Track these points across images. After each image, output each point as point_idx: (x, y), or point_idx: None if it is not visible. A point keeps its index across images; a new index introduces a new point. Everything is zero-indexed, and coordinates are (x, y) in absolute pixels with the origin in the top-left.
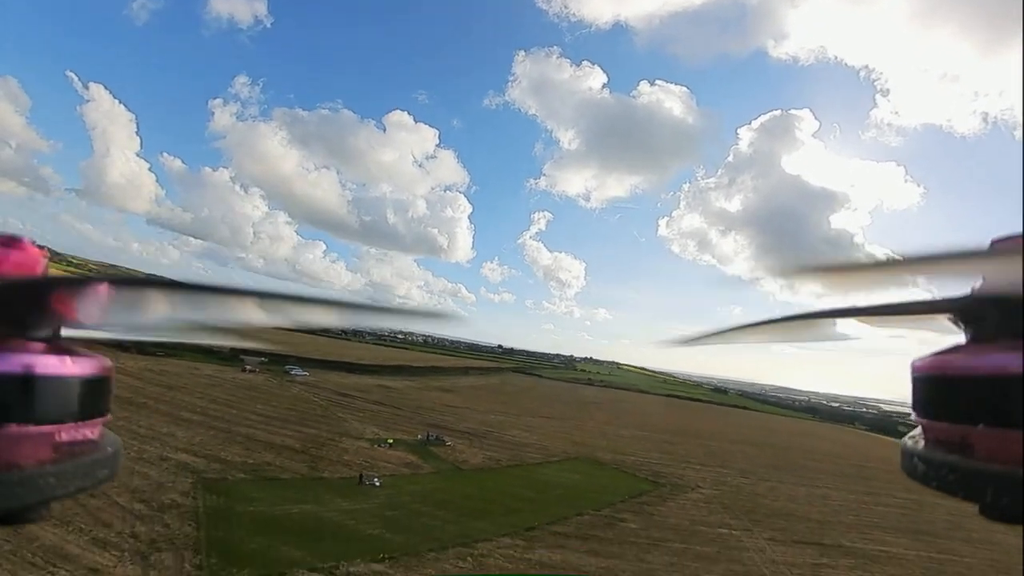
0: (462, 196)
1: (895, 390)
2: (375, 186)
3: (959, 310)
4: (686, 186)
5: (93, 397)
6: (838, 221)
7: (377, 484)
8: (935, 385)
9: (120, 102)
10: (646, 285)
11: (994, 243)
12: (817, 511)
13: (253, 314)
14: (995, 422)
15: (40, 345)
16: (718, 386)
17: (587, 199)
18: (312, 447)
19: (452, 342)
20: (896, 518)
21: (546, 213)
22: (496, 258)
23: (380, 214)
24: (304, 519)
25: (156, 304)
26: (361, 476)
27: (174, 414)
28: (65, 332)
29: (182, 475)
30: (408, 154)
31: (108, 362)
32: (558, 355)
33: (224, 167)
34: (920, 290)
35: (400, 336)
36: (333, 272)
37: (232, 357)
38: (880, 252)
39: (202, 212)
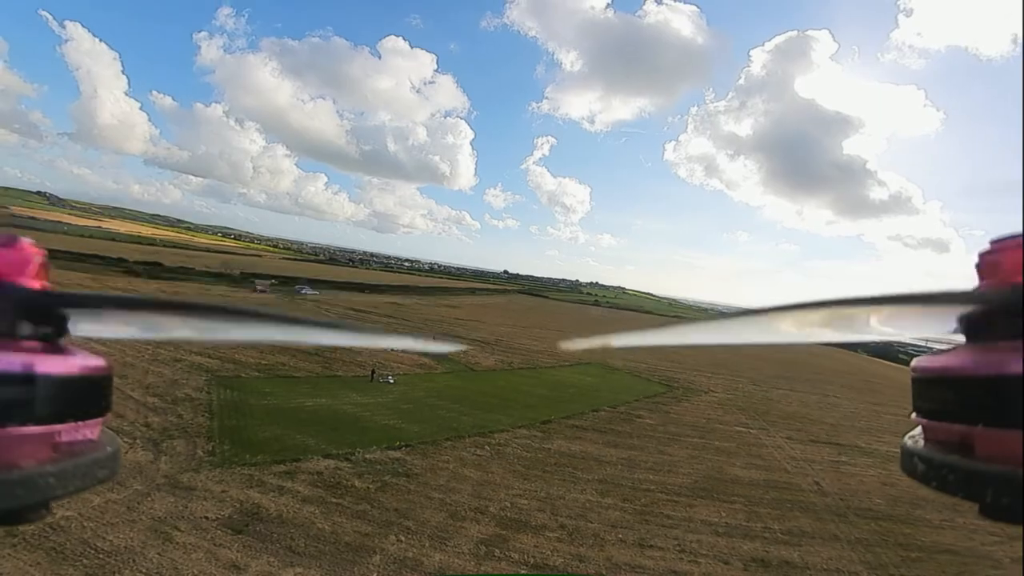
0: (463, 122)
1: None
2: (373, 115)
3: (959, 310)
4: (694, 109)
5: (93, 397)
6: (851, 147)
7: (391, 381)
8: (935, 385)
9: (100, 40)
10: (652, 210)
11: (993, 243)
12: (830, 416)
13: (255, 334)
14: (995, 422)
15: (40, 345)
16: (723, 311)
17: (591, 122)
18: (325, 350)
19: (457, 268)
20: (908, 425)
21: (549, 138)
22: (499, 184)
23: (380, 143)
24: (318, 410)
25: (158, 323)
26: (373, 372)
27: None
28: (65, 332)
29: (196, 373)
30: (405, 80)
31: (108, 362)
32: (563, 279)
33: (217, 102)
34: (920, 290)
35: (407, 263)
36: (336, 204)
37: (243, 279)
38: (892, 179)
39: (199, 149)
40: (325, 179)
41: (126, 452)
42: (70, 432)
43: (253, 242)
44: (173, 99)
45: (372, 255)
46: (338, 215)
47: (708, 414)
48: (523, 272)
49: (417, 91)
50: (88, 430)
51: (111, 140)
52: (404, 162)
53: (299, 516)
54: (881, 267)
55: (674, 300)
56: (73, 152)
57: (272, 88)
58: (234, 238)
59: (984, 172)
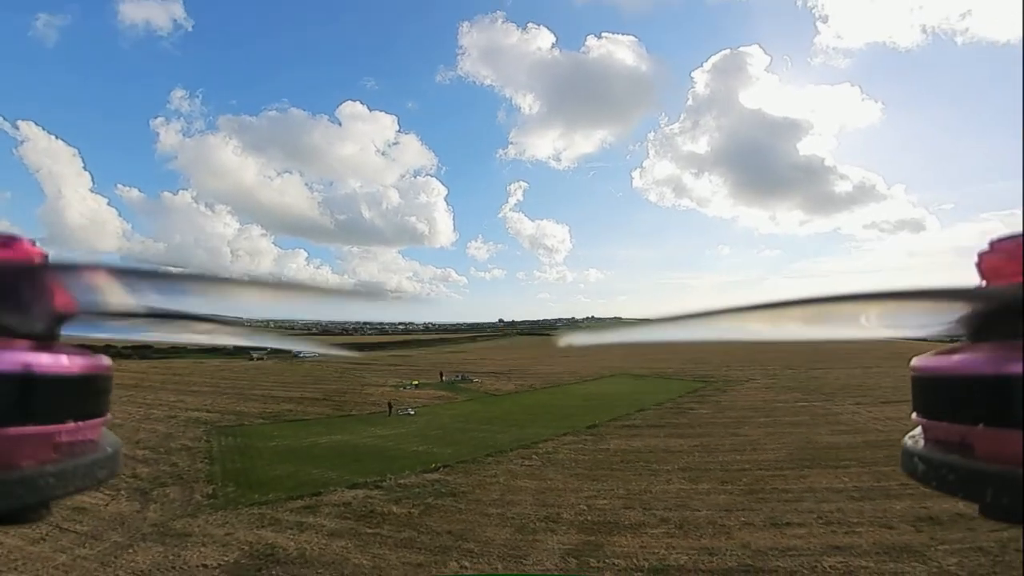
0: (433, 179)
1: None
2: (342, 183)
3: (959, 310)
4: (651, 135)
5: (92, 397)
6: (806, 147)
7: (411, 413)
8: (935, 385)
9: (56, 137)
10: (631, 238)
11: (993, 243)
12: (885, 382)
13: (252, 302)
14: (995, 422)
15: (39, 344)
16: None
17: (558, 160)
18: (334, 396)
19: (452, 324)
20: None
21: (521, 183)
22: (479, 236)
23: (354, 211)
24: (335, 446)
25: (152, 294)
26: (390, 406)
27: (182, 389)
28: (64, 332)
29: (193, 426)
30: (369, 144)
31: (107, 362)
32: (559, 319)
33: (184, 189)
34: (920, 290)
35: (401, 326)
36: (319, 278)
37: (237, 352)
38: (852, 171)
39: (174, 239)
40: (305, 254)
41: (105, 505)
42: (70, 432)
43: (243, 324)
44: (139, 191)
45: (365, 323)
46: (323, 288)
47: (762, 397)
48: (518, 319)
49: (383, 154)
50: (88, 430)
51: (84, 240)
52: (381, 227)
53: (328, 553)
54: (864, 256)
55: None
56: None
57: (236, 167)
58: (224, 323)
59: (933, 150)
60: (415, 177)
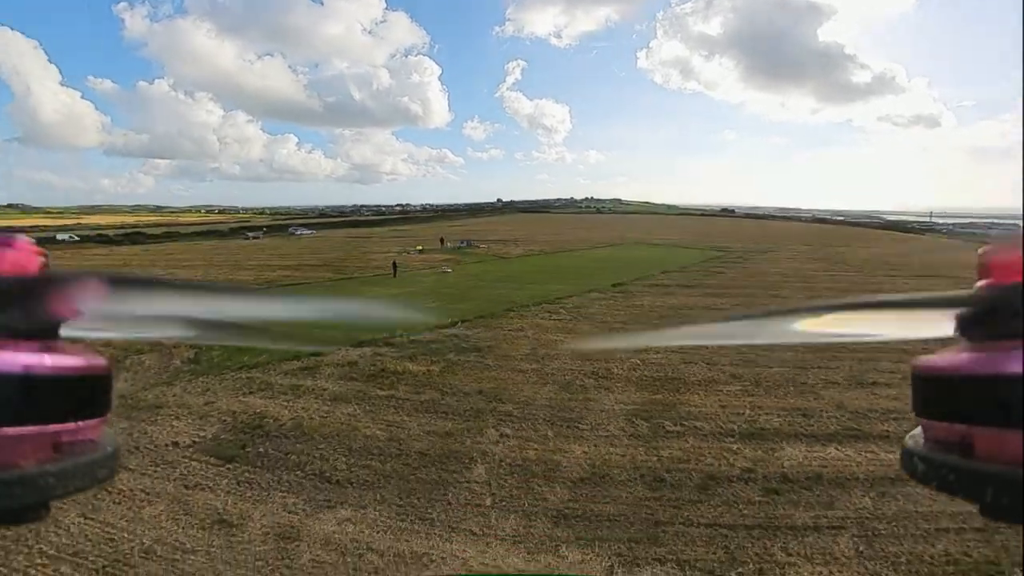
0: (426, 58)
1: (892, 200)
2: (329, 65)
3: (959, 310)
4: (660, 14)
5: (92, 396)
6: (825, 34)
7: (448, 271)
8: (935, 385)
9: (14, 29)
10: (634, 121)
11: (993, 243)
12: (913, 262)
13: (251, 310)
14: (995, 422)
15: (39, 344)
16: (725, 208)
17: (559, 37)
18: (334, 262)
19: (450, 205)
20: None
21: (520, 61)
22: (476, 116)
23: (343, 93)
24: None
25: (152, 301)
26: (395, 266)
27: (174, 264)
28: (64, 331)
29: None
30: (355, 23)
31: (107, 361)
32: (558, 199)
33: (159, 77)
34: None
35: (398, 207)
36: (312, 163)
37: (232, 232)
38: (874, 61)
39: (157, 130)
40: (295, 139)
41: None
42: (70, 432)
43: (240, 213)
44: (113, 82)
45: (362, 206)
46: (317, 174)
47: (789, 266)
48: (517, 199)
49: (370, 33)
50: (88, 430)
51: (63, 137)
52: (372, 109)
53: (331, 422)
54: (872, 149)
55: (672, 205)
56: (30, 158)
57: (213, 52)
58: (219, 212)
59: (965, 43)
60: (406, 57)
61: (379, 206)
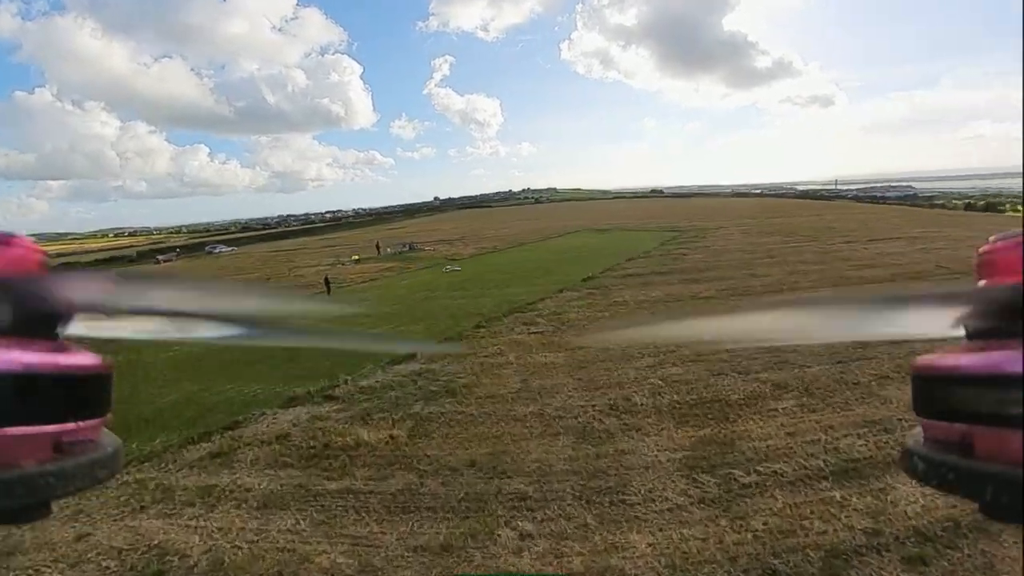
0: (345, 57)
1: (799, 173)
2: (236, 66)
3: (958, 310)
4: (579, 6)
5: (93, 396)
6: (730, 23)
7: (457, 269)
8: (935, 385)
9: None
10: (561, 111)
11: (993, 242)
12: (854, 225)
13: (253, 337)
14: (995, 422)
15: (40, 344)
16: (653, 189)
17: (486, 30)
18: (258, 281)
19: (384, 208)
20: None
21: (447, 57)
22: (403, 115)
23: (255, 96)
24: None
25: (155, 298)
26: (327, 282)
27: None
28: (64, 332)
29: None
30: (262, 20)
31: (108, 361)
32: (496, 193)
33: (40, 86)
34: (920, 290)
35: (328, 215)
36: (228, 174)
37: (140, 256)
38: (773, 47)
39: (44, 147)
40: (206, 149)
41: None
42: (70, 432)
43: (153, 234)
44: None
45: (288, 216)
46: (235, 185)
47: (746, 241)
48: (455, 195)
49: (279, 31)
50: (88, 430)
51: None
52: (289, 112)
53: (264, 551)
54: (777, 128)
55: (604, 191)
56: None
57: (101, 54)
58: (129, 235)
59: (851, 30)
60: (322, 56)
61: (307, 215)
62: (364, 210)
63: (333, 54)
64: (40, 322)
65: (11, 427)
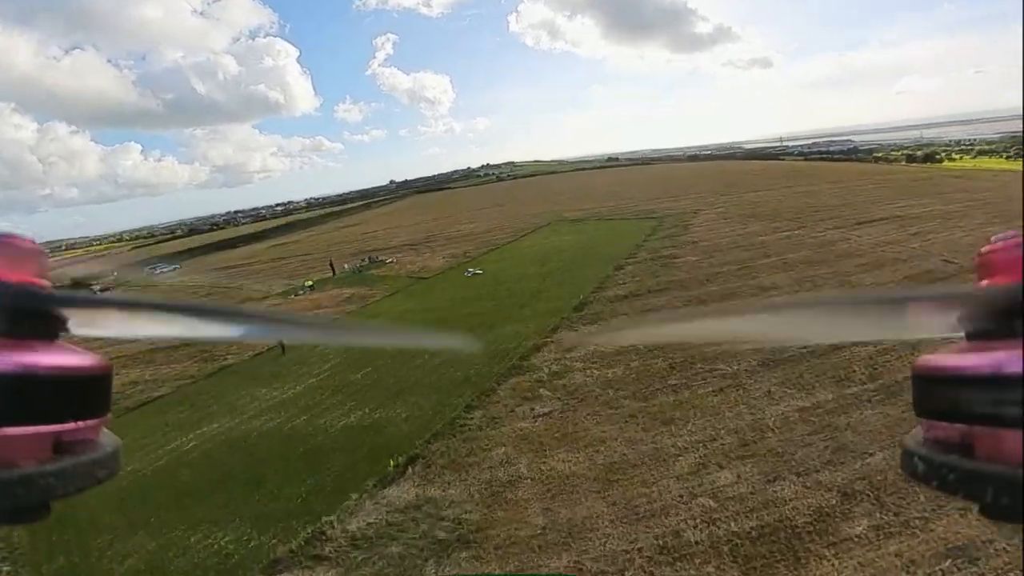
0: (278, 40)
1: (745, 132)
2: (158, 55)
3: (959, 310)
4: None
5: (93, 396)
6: None
7: (479, 272)
8: (935, 385)
9: None
10: (513, 84)
11: (993, 242)
12: (831, 203)
13: (252, 333)
14: (995, 422)
15: (40, 344)
16: (609, 156)
17: (428, 6)
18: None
19: (339, 195)
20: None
21: (390, 35)
22: (348, 97)
23: (183, 87)
24: (203, 451)
25: (157, 323)
26: (282, 345)
27: None
28: (64, 332)
29: None
30: (180, 4)
31: (107, 361)
32: (455, 171)
33: None
34: (920, 290)
35: (279, 207)
36: (166, 171)
37: (77, 285)
38: (712, 13)
39: None
40: (139, 147)
41: None
42: (70, 432)
43: (92, 245)
44: None
45: (237, 212)
46: (174, 183)
47: (732, 231)
48: (411, 177)
49: (201, 15)
50: (88, 430)
51: None
52: (223, 102)
53: None
54: (722, 90)
55: (562, 160)
56: None
57: (1, 48)
58: (65, 249)
59: None
60: (252, 39)
61: (257, 210)
62: (317, 199)
63: (265, 37)
64: (40, 322)
65: (11, 427)
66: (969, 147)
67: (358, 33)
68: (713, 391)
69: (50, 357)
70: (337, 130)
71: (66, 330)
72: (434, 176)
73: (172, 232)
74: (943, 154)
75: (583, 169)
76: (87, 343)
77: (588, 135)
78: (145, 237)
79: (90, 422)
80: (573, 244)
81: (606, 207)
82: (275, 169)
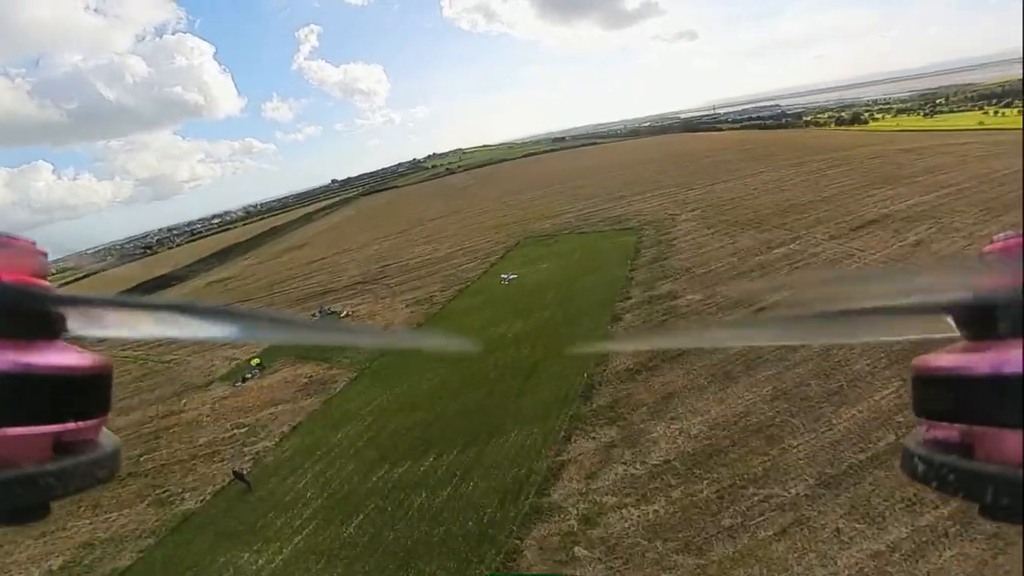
0: (189, 36)
1: (679, 103)
2: (53, 59)
3: (959, 310)
4: None
5: (92, 396)
6: None
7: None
8: (935, 385)
9: None
10: (451, 69)
11: (993, 243)
12: (804, 199)
13: (253, 333)
14: (995, 422)
15: (40, 344)
16: (555, 137)
17: None
18: (138, 462)
19: (278, 200)
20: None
21: (313, 27)
22: (275, 95)
23: (88, 93)
24: None
25: (157, 323)
26: (242, 477)
27: None
28: (64, 332)
29: None
30: (70, 0)
31: (107, 361)
32: (399, 164)
33: None
34: (920, 291)
35: (215, 220)
36: (84, 190)
37: None
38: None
39: None
40: (49, 166)
41: None
42: (70, 432)
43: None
44: None
45: (170, 229)
46: (96, 202)
47: (720, 246)
48: (354, 174)
49: (96, 11)
50: (88, 430)
51: None
52: (136, 107)
53: None
54: (652, 64)
55: (510, 144)
56: None
57: None
58: None
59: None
60: (160, 37)
61: (192, 224)
62: (255, 206)
63: (173, 34)
64: (40, 322)
65: (11, 427)
66: (887, 107)
67: (277, 26)
68: (775, 534)
69: (50, 357)
70: (267, 130)
71: (66, 330)
72: (378, 172)
73: (102, 257)
74: (867, 114)
75: (533, 154)
76: (87, 343)
77: (529, 115)
78: (73, 269)
79: (90, 422)
80: (553, 278)
81: (573, 212)
82: (205, 176)
